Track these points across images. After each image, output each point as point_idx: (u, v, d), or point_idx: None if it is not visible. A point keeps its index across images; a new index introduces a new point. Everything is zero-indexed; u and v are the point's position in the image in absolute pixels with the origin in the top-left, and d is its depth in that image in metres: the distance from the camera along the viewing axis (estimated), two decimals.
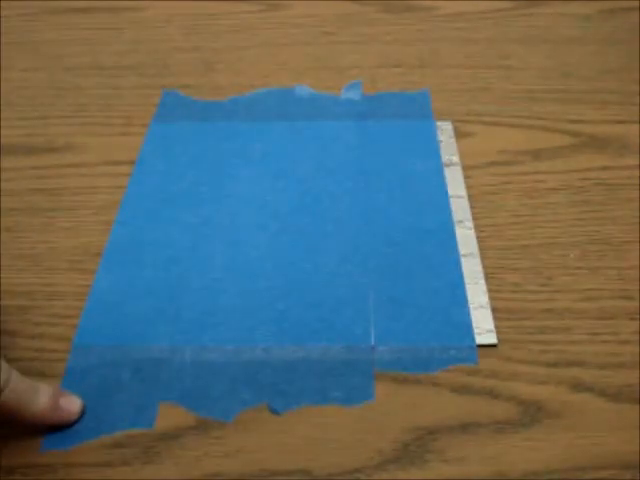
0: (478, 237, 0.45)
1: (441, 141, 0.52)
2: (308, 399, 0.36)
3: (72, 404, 0.35)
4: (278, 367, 0.38)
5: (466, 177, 0.49)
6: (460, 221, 0.46)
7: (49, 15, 0.69)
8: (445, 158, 0.51)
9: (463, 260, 0.43)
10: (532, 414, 0.36)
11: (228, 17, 0.68)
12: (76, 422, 0.35)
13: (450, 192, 0.48)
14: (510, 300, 0.41)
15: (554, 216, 0.46)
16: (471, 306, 0.40)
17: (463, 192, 0.48)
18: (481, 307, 0.40)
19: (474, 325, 0.39)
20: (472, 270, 0.43)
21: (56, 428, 0.35)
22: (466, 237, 0.45)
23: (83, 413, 0.36)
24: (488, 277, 0.42)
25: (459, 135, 0.53)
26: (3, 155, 0.52)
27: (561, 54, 0.62)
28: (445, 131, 0.53)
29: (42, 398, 0.34)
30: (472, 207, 0.47)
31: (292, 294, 0.41)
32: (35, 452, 0.34)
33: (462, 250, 0.44)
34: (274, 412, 0.36)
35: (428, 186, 0.48)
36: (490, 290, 0.41)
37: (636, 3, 0.67)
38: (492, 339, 0.39)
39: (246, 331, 0.40)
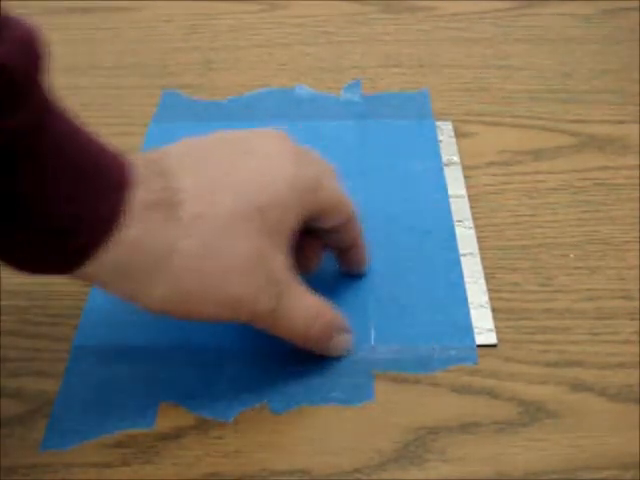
0: (478, 237, 0.45)
1: (441, 141, 0.52)
2: (308, 399, 0.36)
3: None
4: (278, 367, 0.38)
5: (466, 177, 0.49)
6: (460, 221, 0.46)
7: (49, 15, 0.69)
8: (445, 158, 0.51)
9: (463, 260, 0.43)
10: (532, 414, 0.36)
11: (228, 17, 0.68)
12: None
13: (450, 192, 0.48)
14: (510, 300, 0.41)
15: (554, 216, 0.46)
16: (471, 306, 0.40)
17: (463, 192, 0.48)
18: (481, 307, 0.40)
19: (474, 325, 0.39)
20: (472, 270, 0.43)
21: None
22: (466, 237, 0.45)
23: None
24: (488, 277, 0.42)
25: (459, 135, 0.53)
26: None
27: (561, 54, 0.62)
28: (445, 131, 0.53)
29: None
30: (472, 207, 0.47)
31: None
32: (35, 452, 0.34)
33: (462, 250, 0.44)
34: (274, 412, 0.36)
35: (428, 186, 0.48)
36: (490, 290, 0.41)
37: (636, 3, 0.67)
38: (492, 339, 0.39)
39: (246, 331, 0.39)
